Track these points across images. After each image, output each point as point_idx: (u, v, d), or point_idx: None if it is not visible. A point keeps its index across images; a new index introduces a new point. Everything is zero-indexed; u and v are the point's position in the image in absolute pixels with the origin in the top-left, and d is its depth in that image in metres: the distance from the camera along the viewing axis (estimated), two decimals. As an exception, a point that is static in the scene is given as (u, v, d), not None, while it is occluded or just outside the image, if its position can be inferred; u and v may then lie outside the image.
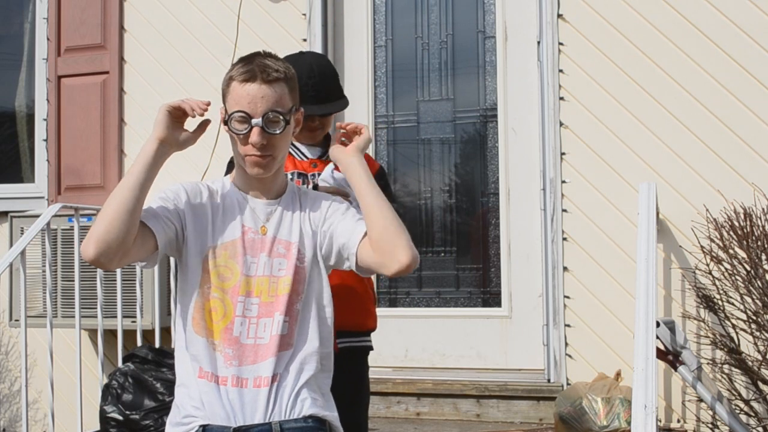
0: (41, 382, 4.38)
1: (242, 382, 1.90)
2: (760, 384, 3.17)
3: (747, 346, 3.16)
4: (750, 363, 3.13)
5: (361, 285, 2.42)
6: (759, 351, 3.08)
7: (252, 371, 1.91)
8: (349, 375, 2.39)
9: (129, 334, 3.94)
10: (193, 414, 1.92)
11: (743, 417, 3.23)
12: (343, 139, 2.11)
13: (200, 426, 1.90)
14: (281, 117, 1.94)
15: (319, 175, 2.39)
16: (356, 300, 2.40)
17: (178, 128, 1.98)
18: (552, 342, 3.81)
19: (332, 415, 1.99)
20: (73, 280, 3.69)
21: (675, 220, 3.69)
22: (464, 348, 4.10)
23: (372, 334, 2.54)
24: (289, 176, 2.33)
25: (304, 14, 4.26)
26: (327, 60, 2.60)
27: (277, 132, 1.94)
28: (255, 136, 1.92)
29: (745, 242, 3.12)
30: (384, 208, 1.94)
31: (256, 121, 1.92)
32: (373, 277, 2.55)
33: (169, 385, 3.26)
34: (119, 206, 1.83)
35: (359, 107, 4.27)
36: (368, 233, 1.93)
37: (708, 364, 3.48)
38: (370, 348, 2.52)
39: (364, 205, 1.96)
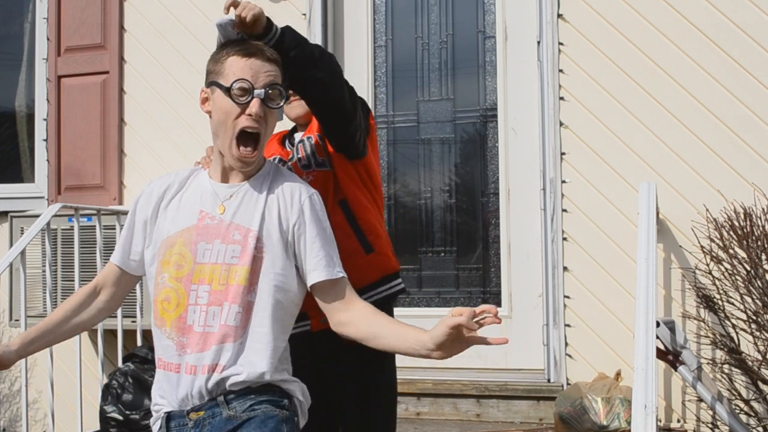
0: (41, 382, 4.38)
1: (193, 369, 1.91)
2: (760, 384, 3.17)
3: (747, 346, 3.16)
4: (750, 363, 3.13)
5: (339, 240, 2.10)
6: (759, 351, 3.08)
7: (202, 359, 1.91)
8: (352, 358, 2.23)
9: (129, 334, 3.94)
10: (159, 402, 1.99)
11: (743, 417, 3.23)
12: None
13: (165, 413, 1.96)
14: (281, 91, 1.98)
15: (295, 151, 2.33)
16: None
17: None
18: (552, 342, 3.81)
19: (281, 379, 1.95)
20: (73, 280, 3.69)
21: (675, 220, 3.69)
22: (464, 348, 4.09)
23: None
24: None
25: (304, 14, 4.26)
26: None
27: (276, 106, 1.98)
28: (255, 107, 1.94)
29: (745, 242, 3.12)
30: None
31: (258, 92, 1.94)
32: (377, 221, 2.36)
33: (169, 385, 3.26)
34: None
35: (359, 107, 4.27)
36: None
37: (708, 364, 3.48)
38: (382, 305, 2.20)
39: None
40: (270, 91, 1.96)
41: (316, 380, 2.26)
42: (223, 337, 1.90)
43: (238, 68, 1.95)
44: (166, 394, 1.96)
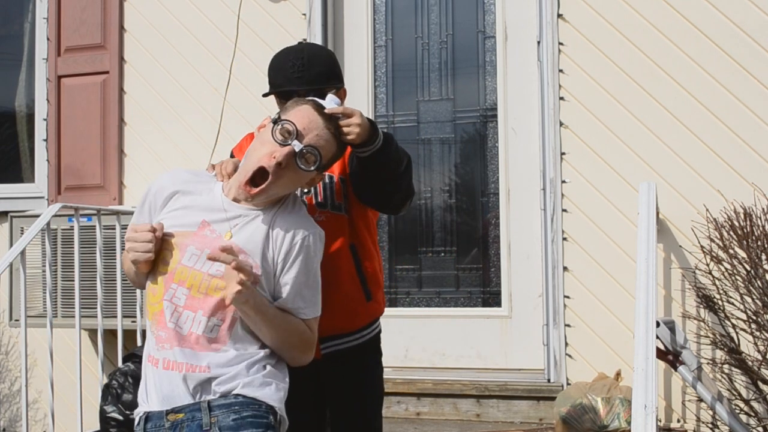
0: (41, 382, 4.38)
1: (172, 365, 1.92)
2: (760, 384, 3.17)
3: (747, 346, 3.16)
4: (750, 363, 3.13)
5: (347, 285, 2.28)
6: (759, 351, 3.08)
7: (181, 355, 1.91)
8: (340, 380, 2.31)
9: (129, 334, 3.94)
10: (140, 404, 2.01)
11: (743, 417, 3.23)
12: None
13: (144, 413, 1.98)
14: (317, 159, 1.94)
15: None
16: (337, 302, 2.23)
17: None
18: (552, 342, 3.81)
19: (265, 394, 1.94)
20: (73, 280, 3.68)
21: (675, 220, 3.69)
22: (464, 348, 4.10)
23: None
24: None
25: (304, 14, 4.26)
26: (326, 50, 2.52)
27: (304, 168, 1.93)
28: (282, 153, 1.91)
29: (745, 242, 3.12)
30: (276, 335, 1.94)
31: (297, 143, 1.91)
32: (377, 268, 2.40)
33: (169, 385, 3.26)
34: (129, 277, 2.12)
35: (359, 107, 4.22)
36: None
37: (708, 364, 3.48)
38: (366, 345, 2.36)
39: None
40: (306, 151, 1.92)
41: (303, 401, 2.26)
42: (198, 345, 1.91)
43: (300, 113, 1.95)
44: (149, 391, 1.96)
